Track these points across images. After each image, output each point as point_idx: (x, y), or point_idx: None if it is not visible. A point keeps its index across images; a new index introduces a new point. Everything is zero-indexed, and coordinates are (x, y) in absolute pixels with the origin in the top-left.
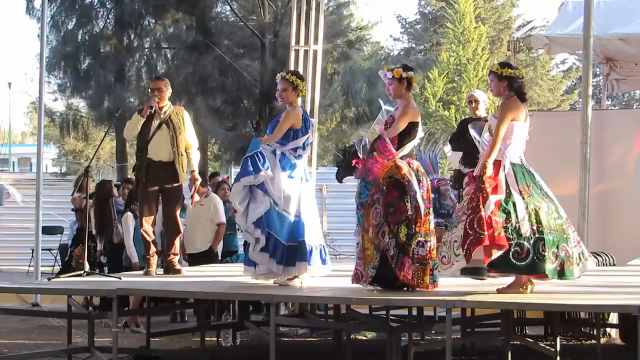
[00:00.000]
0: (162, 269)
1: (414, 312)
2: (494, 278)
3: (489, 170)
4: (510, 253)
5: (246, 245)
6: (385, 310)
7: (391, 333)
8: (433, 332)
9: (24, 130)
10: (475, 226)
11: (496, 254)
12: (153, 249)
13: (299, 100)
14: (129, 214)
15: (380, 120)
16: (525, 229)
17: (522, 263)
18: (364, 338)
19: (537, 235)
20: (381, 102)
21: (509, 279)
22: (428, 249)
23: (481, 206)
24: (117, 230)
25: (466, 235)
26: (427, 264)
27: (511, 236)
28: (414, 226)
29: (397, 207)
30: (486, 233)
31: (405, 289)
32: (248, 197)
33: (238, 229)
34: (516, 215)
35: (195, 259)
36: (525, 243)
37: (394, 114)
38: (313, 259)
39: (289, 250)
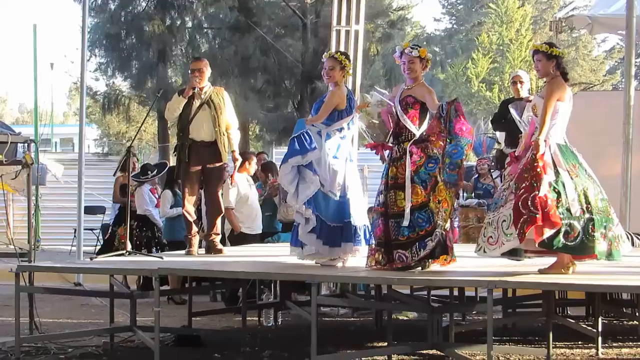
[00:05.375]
0: (204, 249)
1: (455, 293)
2: (530, 259)
3: (542, 148)
4: (561, 233)
5: (289, 226)
6: (427, 291)
7: (432, 313)
8: (474, 312)
9: (65, 110)
10: (529, 205)
11: (548, 233)
12: (195, 228)
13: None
14: (168, 190)
15: (378, 103)
16: (576, 209)
17: (572, 243)
18: (405, 318)
19: (587, 216)
20: (375, 88)
21: (549, 259)
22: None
23: (535, 184)
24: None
25: (518, 214)
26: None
27: (562, 215)
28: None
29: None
30: (540, 212)
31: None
32: (297, 178)
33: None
34: (566, 195)
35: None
36: (576, 223)
37: (413, 94)
38: (358, 239)
39: (335, 231)
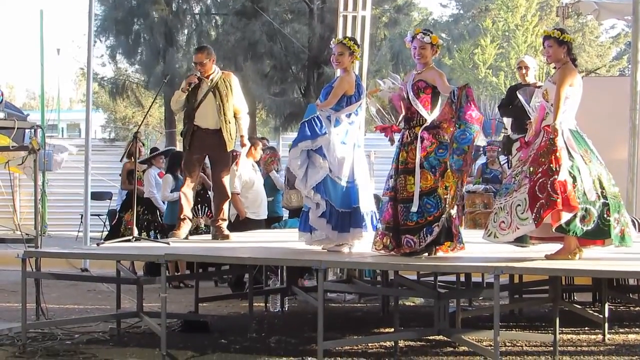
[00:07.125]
0: (211, 235)
1: (462, 278)
2: (535, 245)
3: (559, 132)
4: (578, 217)
5: (295, 212)
6: (433, 277)
7: (439, 299)
8: (481, 298)
9: (72, 96)
10: (548, 189)
11: (565, 217)
12: (187, 213)
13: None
14: (169, 175)
15: (390, 88)
16: (592, 194)
17: (588, 228)
18: (412, 304)
19: (602, 201)
20: (390, 73)
21: (554, 246)
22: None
23: (555, 169)
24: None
25: (535, 198)
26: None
27: (579, 200)
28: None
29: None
30: (560, 196)
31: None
32: (306, 162)
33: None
34: (582, 180)
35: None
36: (592, 208)
37: (424, 79)
38: (364, 224)
39: (344, 217)
